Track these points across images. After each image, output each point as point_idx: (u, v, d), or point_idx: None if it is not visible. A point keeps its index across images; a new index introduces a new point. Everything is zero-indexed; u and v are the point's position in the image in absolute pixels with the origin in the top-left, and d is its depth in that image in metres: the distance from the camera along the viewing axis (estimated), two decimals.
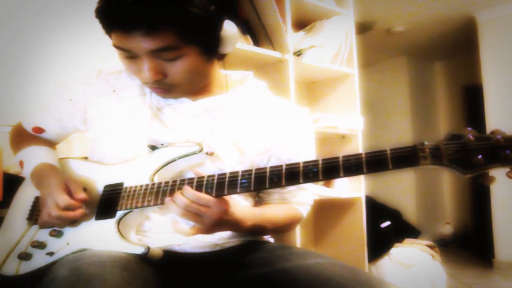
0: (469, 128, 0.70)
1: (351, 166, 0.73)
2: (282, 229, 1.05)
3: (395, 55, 4.92)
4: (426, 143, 0.70)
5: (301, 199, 1.06)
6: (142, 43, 0.84)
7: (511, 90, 3.64)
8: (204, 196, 0.80)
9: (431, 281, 2.46)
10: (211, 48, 0.92)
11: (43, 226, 0.96)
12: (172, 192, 0.85)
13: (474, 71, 3.91)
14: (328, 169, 0.75)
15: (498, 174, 0.64)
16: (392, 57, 4.99)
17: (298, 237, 1.99)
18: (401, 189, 4.84)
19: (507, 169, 0.66)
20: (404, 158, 0.70)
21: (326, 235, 2.51)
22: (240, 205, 0.90)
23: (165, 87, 0.93)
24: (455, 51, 4.74)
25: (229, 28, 0.92)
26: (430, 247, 2.57)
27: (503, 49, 3.71)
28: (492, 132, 0.68)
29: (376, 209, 2.63)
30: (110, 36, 0.89)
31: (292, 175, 0.77)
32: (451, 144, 0.69)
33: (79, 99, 1.05)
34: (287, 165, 0.78)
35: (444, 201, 5.16)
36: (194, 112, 1.00)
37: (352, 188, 2.37)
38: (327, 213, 2.46)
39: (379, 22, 3.89)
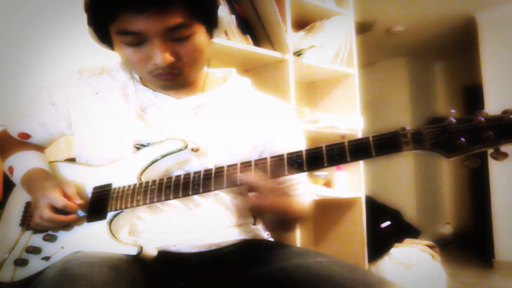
0: (452, 111, 0.69)
1: (335, 155, 0.73)
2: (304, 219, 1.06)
3: (395, 55, 4.92)
4: (407, 128, 0.69)
5: (301, 191, 1.04)
6: (157, 22, 0.81)
7: (511, 90, 3.64)
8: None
9: (431, 281, 2.46)
10: (212, 28, 0.92)
11: (35, 228, 0.95)
12: (159, 191, 0.85)
13: (474, 71, 3.91)
14: (312, 159, 0.74)
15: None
16: (392, 57, 4.99)
17: (298, 237, 1.99)
18: (401, 189, 4.84)
19: (491, 150, 0.65)
20: (387, 144, 0.69)
21: (326, 235, 2.51)
22: None
23: (175, 71, 0.90)
24: (455, 51, 4.74)
25: (220, 9, 0.93)
26: (430, 247, 2.57)
27: (503, 49, 3.71)
28: (475, 114, 0.67)
29: (376, 209, 2.62)
30: (109, 26, 0.86)
31: (277, 167, 0.77)
32: (433, 127, 0.68)
33: (62, 103, 1.03)
34: (271, 157, 0.78)
35: (444, 201, 5.16)
36: (179, 111, 0.99)
37: (352, 188, 2.37)
38: (327, 213, 2.46)
39: (379, 22, 3.88)
